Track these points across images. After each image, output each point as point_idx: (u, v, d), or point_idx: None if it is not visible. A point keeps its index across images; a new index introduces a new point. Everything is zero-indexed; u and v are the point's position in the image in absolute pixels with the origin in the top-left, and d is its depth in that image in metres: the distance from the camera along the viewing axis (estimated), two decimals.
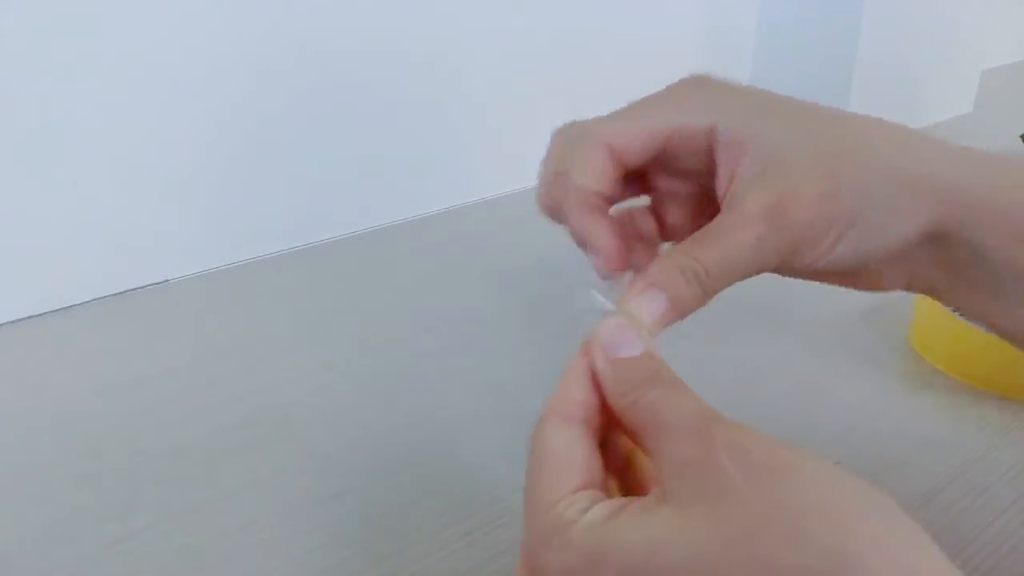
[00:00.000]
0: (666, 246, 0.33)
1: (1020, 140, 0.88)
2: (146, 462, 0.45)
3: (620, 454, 0.27)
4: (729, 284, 0.28)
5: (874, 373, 0.51)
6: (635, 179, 0.32)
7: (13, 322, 0.60)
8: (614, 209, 0.31)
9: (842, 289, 0.32)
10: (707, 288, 0.27)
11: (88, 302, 0.63)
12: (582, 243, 0.29)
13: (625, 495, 0.26)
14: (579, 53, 0.84)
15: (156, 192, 0.64)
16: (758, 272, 0.28)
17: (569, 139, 0.31)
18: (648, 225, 0.33)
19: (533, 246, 0.70)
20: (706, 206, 0.32)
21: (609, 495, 0.24)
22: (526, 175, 0.90)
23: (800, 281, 0.31)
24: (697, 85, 0.31)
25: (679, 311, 0.27)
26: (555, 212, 0.31)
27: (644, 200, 0.33)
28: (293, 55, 0.67)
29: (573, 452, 0.24)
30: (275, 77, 0.66)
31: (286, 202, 0.71)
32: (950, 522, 0.39)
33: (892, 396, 0.49)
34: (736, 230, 0.27)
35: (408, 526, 0.40)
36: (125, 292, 0.65)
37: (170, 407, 0.50)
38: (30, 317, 0.61)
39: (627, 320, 0.26)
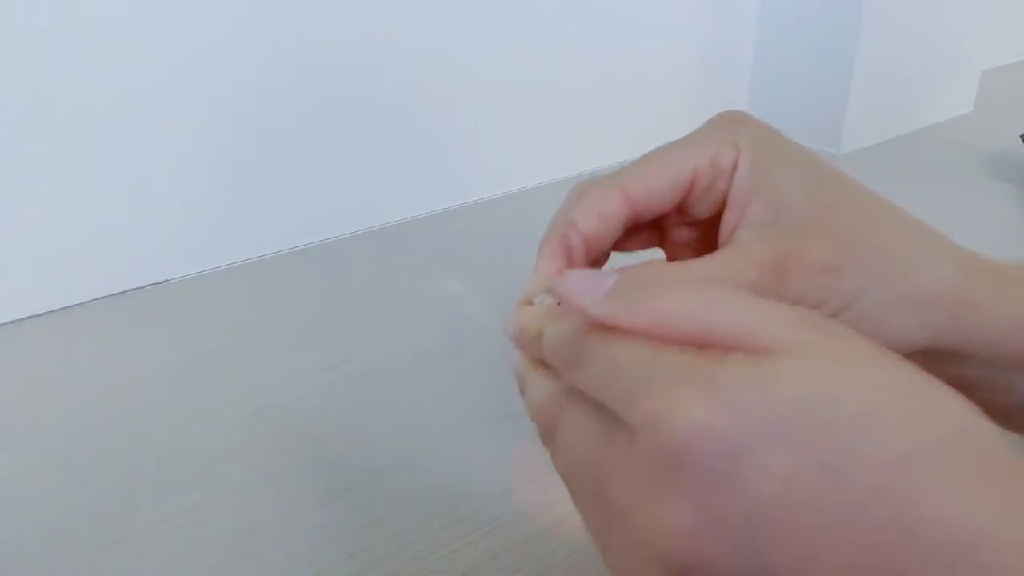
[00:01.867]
0: None
1: (1020, 140, 0.88)
2: (146, 462, 0.45)
3: None
4: None
5: None
6: (651, 229, 0.31)
7: (13, 322, 0.60)
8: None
9: None
10: None
11: (88, 302, 0.63)
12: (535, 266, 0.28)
13: None
14: (579, 55, 0.84)
15: (156, 192, 0.64)
16: None
17: (583, 186, 0.29)
18: None
19: (533, 246, 0.70)
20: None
21: None
22: (525, 175, 0.91)
23: None
24: (730, 120, 0.29)
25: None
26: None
27: (656, 252, 0.31)
28: (293, 57, 0.67)
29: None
30: (275, 78, 0.66)
31: (286, 202, 0.71)
32: None
33: None
34: (735, 263, 0.26)
35: (408, 526, 0.40)
36: (125, 292, 0.65)
37: (170, 407, 0.50)
38: (30, 317, 0.61)
39: (578, 271, 0.23)
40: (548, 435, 0.24)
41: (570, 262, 0.27)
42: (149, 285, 0.66)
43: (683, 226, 0.30)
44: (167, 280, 0.66)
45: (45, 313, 0.61)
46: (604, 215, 0.27)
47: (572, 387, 0.22)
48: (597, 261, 0.29)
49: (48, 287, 0.61)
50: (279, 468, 0.44)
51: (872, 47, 0.91)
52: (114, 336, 0.59)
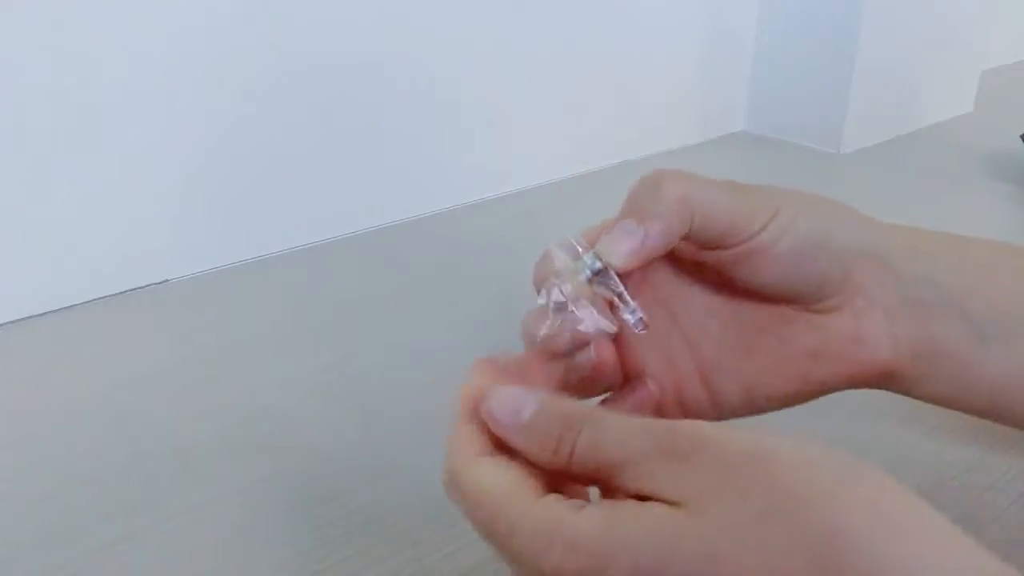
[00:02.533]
0: None
1: (1020, 140, 0.88)
2: (146, 462, 0.45)
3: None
4: (703, 212, 0.29)
5: None
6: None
7: (13, 322, 0.60)
8: None
9: None
10: (685, 213, 0.28)
11: (88, 302, 0.63)
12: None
13: None
14: (579, 55, 0.84)
15: (156, 192, 0.64)
16: (729, 217, 0.29)
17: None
18: None
19: (533, 246, 0.70)
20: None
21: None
22: (525, 176, 0.91)
23: None
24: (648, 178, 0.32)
25: (660, 238, 0.28)
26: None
27: None
28: (293, 58, 0.67)
29: (508, 471, 0.24)
30: (275, 79, 0.66)
31: (286, 202, 0.71)
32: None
33: (892, 396, 0.49)
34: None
35: (408, 526, 0.40)
36: (125, 292, 0.65)
37: (170, 407, 0.50)
38: (30, 317, 0.61)
39: (505, 389, 0.26)
40: None
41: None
42: (149, 285, 0.66)
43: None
44: (167, 280, 0.66)
45: (45, 313, 0.61)
46: (636, 253, 0.29)
47: None
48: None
49: (48, 287, 0.61)
50: (279, 468, 0.44)
51: (872, 47, 0.91)
52: (114, 336, 0.59)
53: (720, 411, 0.33)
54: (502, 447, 0.26)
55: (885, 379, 0.32)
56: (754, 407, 0.33)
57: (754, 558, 0.19)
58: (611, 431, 0.23)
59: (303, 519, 0.40)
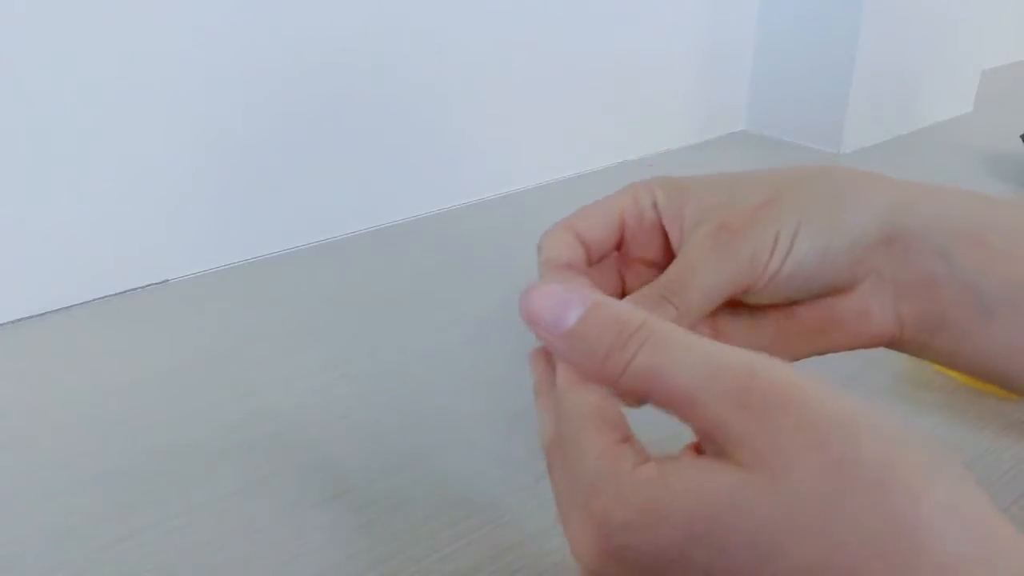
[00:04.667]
0: None
1: (1020, 140, 0.88)
2: (146, 462, 0.45)
3: None
4: (705, 304, 0.28)
5: (874, 374, 0.51)
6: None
7: (13, 322, 0.60)
8: None
9: None
10: (682, 307, 0.28)
11: (88, 302, 0.63)
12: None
13: None
14: (579, 55, 0.84)
15: (156, 192, 0.64)
16: (730, 289, 0.29)
17: (544, 235, 0.33)
18: None
19: (532, 247, 0.70)
20: None
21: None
22: (525, 176, 0.91)
23: None
24: (638, 181, 0.33)
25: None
26: None
27: None
28: (293, 57, 0.67)
29: (610, 407, 0.23)
30: (275, 78, 0.66)
31: (286, 202, 0.71)
32: None
33: (892, 396, 0.49)
34: (691, 251, 0.29)
35: (408, 526, 0.40)
36: (125, 292, 0.65)
37: (170, 407, 0.50)
38: (30, 317, 0.61)
39: (548, 281, 0.26)
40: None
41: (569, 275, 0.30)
42: (149, 285, 0.66)
43: (638, 276, 0.33)
44: (167, 280, 0.66)
45: (45, 313, 0.61)
46: (570, 246, 0.31)
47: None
48: None
49: (48, 287, 0.61)
50: (279, 468, 0.44)
51: (872, 47, 0.91)
52: (114, 336, 0.59)
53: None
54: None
55: (886, 344, 0.32)
56: None
57: (823, 538, 0.18)
58: (677, 355, 0.21)
59: (303, 519, 0.40)
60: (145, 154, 0.62)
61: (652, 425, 0.25)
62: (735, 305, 0.32)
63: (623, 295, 0.33)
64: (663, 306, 0.27)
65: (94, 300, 0.63)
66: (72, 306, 0.62)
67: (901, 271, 0.30)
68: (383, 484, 0.43)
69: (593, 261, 0.32)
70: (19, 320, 0.61)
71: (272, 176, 0.69)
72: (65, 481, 0.44)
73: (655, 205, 0.32)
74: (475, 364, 0.53)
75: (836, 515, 0.18)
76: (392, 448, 0.46)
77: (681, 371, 0.21)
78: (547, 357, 0.28)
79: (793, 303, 0.32)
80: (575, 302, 0.23)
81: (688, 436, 0.22)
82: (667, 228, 0.32)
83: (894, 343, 0.32)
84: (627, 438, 0.23)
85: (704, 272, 0.28)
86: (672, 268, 0.29)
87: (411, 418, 0.48)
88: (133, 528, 0.40)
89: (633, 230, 0.32)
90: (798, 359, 0.33)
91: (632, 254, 0.33)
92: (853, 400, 0.20)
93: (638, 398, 0.22)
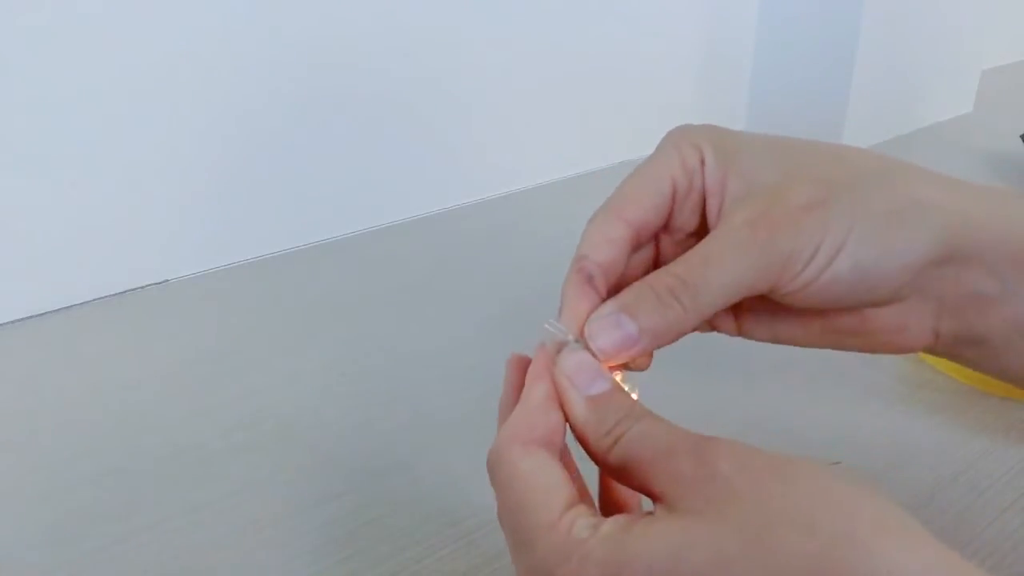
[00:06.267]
0: None
1: (1020, 140, 0.88)
2: (146, 462, 0.45)
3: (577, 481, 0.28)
4: (718, 302, 0.27)
5: (874, 374, 0.51)
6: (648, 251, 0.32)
7: (13, 322, 0.60)
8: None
9: None
10: (690, 306, 0.26)
11: (88, 302, 0.63)
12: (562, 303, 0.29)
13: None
14: (579, 55, 0.84)
15: (156, 192, 0.64)
16: (749, 289, 0.27)
17: (590, 220, 0.30)
18: None
19: (533, 246, 0.70)
20: None
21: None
22: (526, 176, 0.91)
23: None
24: (680, 130, 0.31)
25: (654, 337, 0.26)
26: None
27: None
28: (294, 57, 0.67)
29: (550, 473, 0.24)
30: (276, 79, 0.66)
31: (286, 202, 0.71)
32: (950, 522, 0.39)
33: (892, 396, 0.49)
34: (720, 240, 0.27)
35: (407, 526, 0.40)
36: (125, 292, 0.65)
37: (170, 407, 0.50)
38: (30, 317, 0.61)
39: (586, 355, 0.26)
40: None
41: (596, 292, 0.28)
42: (149, 285, 0.66)
43: (676, 245, 0.31)
44: (167, 280, 0.66)
45: (45, 313, 0.61)
46: (612, 241, 0.29)
47: None
48: (617, 286, 0.29)
49: (48, 287, 0.61)
50: (279, 468, 0.44)
51: (872, 47, 0.91)
52: (114, 336, 0.59)
53: (744, 335, 0.33)
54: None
55: (914, 351, 0.31)
56: (778, 342, 0.33)
57: (764, 562, 0.20)
58: (660, 430, 0.24)
59: (303, 519, 0.40)
60: (145, 154, 0.62)
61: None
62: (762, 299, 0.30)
63: (656, 265, 0.32)
64: (670, 305, 0.26)
65: (94, 300, 0.63)
66: (72, 306, 0.62)
67: (949, 290, 0.29)
68: (382, 484, 0.43)
69: (641, 244, 0.30)
70: (19, 320, 0.61)
71: (272, 176, 0.69)
72: (65, 481, 0.44)
73: (702, 165, 0.29)
74: (475, 364, 0.53)
75: (773, 544, 0.20)
76: (391, 448, 0.46)
77: (661, 436, 0.24)
78: (520, 372, 0.28)
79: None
80: (604, 378, 0.26)
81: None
82: (707, 196, 0.29)
83: (924, 351, 0.31)
84: (573, 502, 0.24)
85: (727, 268, 0.26)
86: (692, 256, 0.27)
87: (411, 418, 0.48)
88: (133, 528, 0.40)
89: (679, 200, 0.30)
90: (820, 347, 0.32)
91: (672, 223, 0.31)
92: (789, 455, 0.22)
93: (617, 471, 0.25)
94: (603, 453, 0.25)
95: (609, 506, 0.29)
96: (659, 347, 0.27)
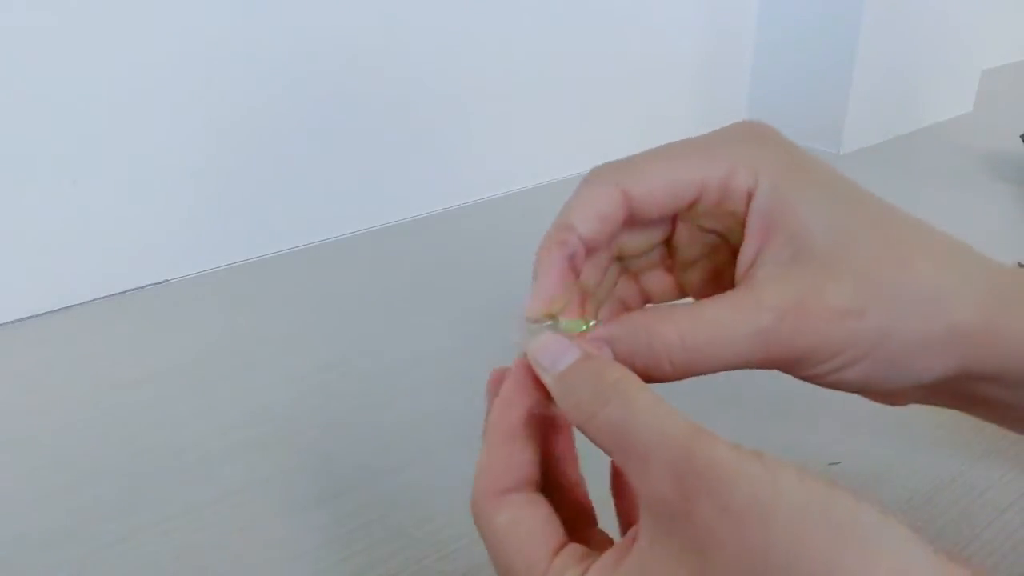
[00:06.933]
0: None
1: (1020, 140, 0.88)
2: (146, 462, 0.45)
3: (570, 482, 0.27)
4: (712, 369, 0.25)
5: None
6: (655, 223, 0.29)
7: (13, 322, 0.60)
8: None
9: None
10: (679, 370, 0.25)
11: (88, 302, 0.63)
12: (533, 277, 0.27)
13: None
14: (579, 55, 0.84)
15: (156, 192, 0.64)
16: (746, 365, 0.25)
17: (584, 180, 0.28)
18: (631, 291, 0.31)
19: (532, 247, 0.70)
20: (725, 272, 0.29)
21: (584, 532, 0.25)
22: (526, 176, 0.91)
23: None
24: (752, 136, 0.27)
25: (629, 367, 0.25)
26: None
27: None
28: (293, 58, 0.67)
29: (530, 521, 0.24)
30: (275, 79, 0.66)
31: (286, 202, 0.71)
32: (950, 522, 0.39)
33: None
34: (741, 312, 0.25)
35: (407, 526, 0.40)
36: (125, 292, 0.65)
37: (170, 407, 0.50)
38: (30, 317, 0.61)
39: (550, 333, 0.25)
40: None
41: (572, 267, 0.27)
42: (149, 285, 0.66)
43: (692, 233, 0.29)
44: (167, 280, 0.66)
45: (45, 313, 0.61)
46: (603, 217, 0.26)
47: None
48: (595, 252, 0.28)
49: (48, 287, 0.61)
50: (279, 468, 0.44)
51: (872, 47, 0.91)
52: (114, 336, 0.59)
53: None
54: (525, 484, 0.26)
55: None
56: None
57: None
58: (641, 417, 0.22)
59: (303, 519, 0.40)
60: (145, 155, 0.62)
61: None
62: None
63: (667, 246, 0.30)
64: (658, 363, 0.25)
65: (94, 300, 0.63)
66: (72, 306, 0.62)
67: (958, 394, 0.28)
68: (383, 484, 0.43)
69: (639, 226, 0.28)
70: (19, 320, 0.61)
71: (272, 176, 0.69)
72: (65, 481, 0.44)
73: (749, 197, 0.26)
74: (475, 364, 0.53)
75: None
76: (391, 448, 0.46)
77: (643, 431, 0.22)
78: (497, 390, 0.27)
79: None
80: (570, 352, 0.25)
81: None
82: (747, 230, 0.26)
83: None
84: (558, 546, 0.24)
85: (737, 350, 0.25)
86: (701, 319, 0.25)
87: (411, 418, 0.48)
88: (133, 528, 0.40)
89: (706, 201, 0.27)
90: None
91: (692, 217, 0.28)
92: (779, 481, 0.20)
93: (605, 449, 0.23)
94: (583, 429, 0.23)
95: (618, 480, 0.28)
96: None
